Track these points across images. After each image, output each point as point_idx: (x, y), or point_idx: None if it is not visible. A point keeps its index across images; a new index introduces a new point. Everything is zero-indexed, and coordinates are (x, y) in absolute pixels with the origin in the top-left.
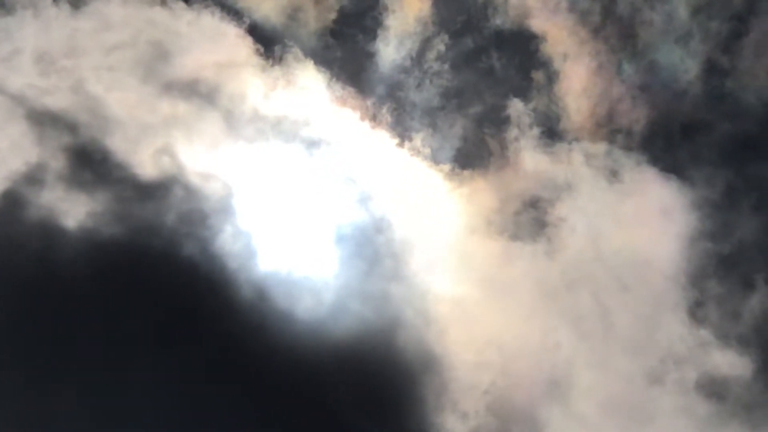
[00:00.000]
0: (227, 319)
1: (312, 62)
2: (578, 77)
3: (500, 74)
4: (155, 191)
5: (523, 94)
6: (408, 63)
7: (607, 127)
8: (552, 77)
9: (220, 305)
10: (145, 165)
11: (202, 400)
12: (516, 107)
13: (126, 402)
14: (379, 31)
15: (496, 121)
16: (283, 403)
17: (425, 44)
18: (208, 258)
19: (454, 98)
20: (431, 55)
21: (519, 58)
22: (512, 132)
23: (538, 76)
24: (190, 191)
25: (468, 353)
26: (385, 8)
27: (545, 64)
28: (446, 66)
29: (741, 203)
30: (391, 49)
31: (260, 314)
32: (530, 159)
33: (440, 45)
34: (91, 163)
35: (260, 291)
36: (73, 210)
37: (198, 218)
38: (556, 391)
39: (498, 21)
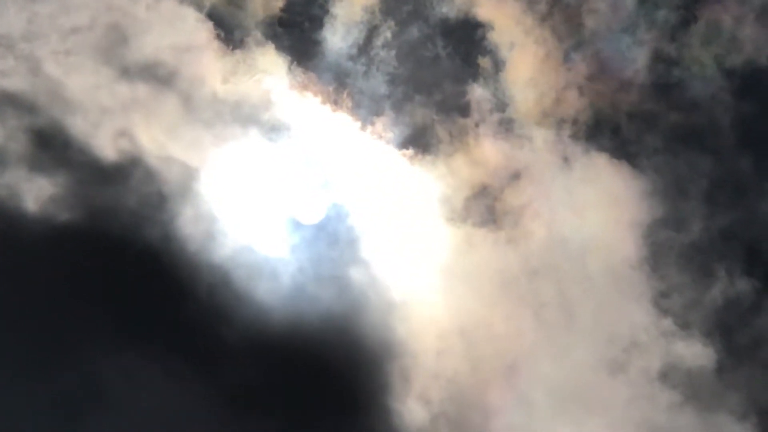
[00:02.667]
0: (187, 303)
1: (273, 47)
2: (525, 66)
3: (454, 62)
4: (115, 174)
5: (472, 82)
6: (356, 50)
7: (555, 116)
8: (499, 65)
9: (180, 288)
10: (105, 148)
11: (162, 384)
12: (476, 93)
13: (84, 387)
14: (326, 20)
15: (455, 107)
16: (243, 388)
17: (373, 32)
18: (168, 241)
19: (413, 83)
20: (379, 41)
21: (466, 46)
22: (473, 118)
23: (485, 63)
24: (150, 174)
25: (430, 340)
26: None
27: (492, 53)
28: (393, 53)
29: (692, 192)
30: (339, 37)
31: (220, 298)
32: (491, 145)
33: (387, 33)
34: (50, 146)
35: (220, 275)
36: (33, 192)
37: (158, 201)
38: (518, 379)
39: (444, 9)
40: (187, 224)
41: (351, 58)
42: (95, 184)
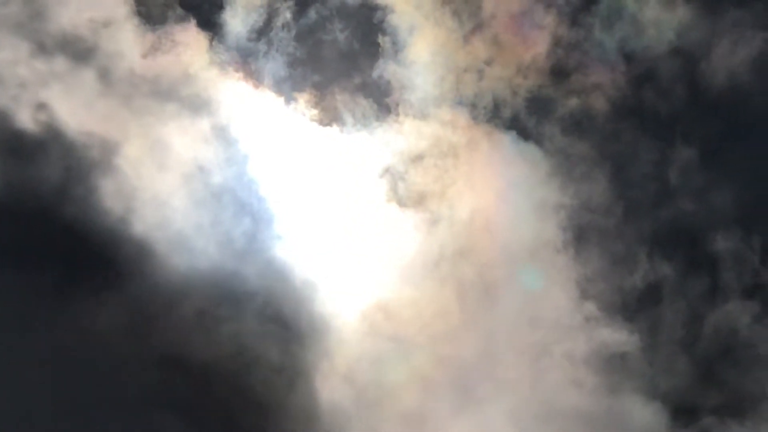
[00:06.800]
0: (106, 277)
1: (194, 23)
2: (425, 48)
3: (356, 44)
4: (34, 148)
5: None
6: (255, 33)
7: (455, 99)
8: (399, 48)
9: (99, 263)
10: (23, 122)
11: (82, 363)
12: (391, 74)
13: None
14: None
15: (375, 87)
16: (164, 365)
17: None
18: (87, 215)
19: (329, 64)
20: (278, 22)
21: (363, 28)
22: (394, 97)
23: (385, 44)
24: (69, 148)
25: (354, 320)
26: None
27: (392, 35)
28: (296, 32)
29: (597, 175)
30: (245, 12)
31: (139, 274)
32: (411, 126)
33: (287, 13)
34: None
35: (139, 248)
36: None
37: (76, 175)
38: (441, 361)
39: None
40: (106, 198)
41: (251, 39)
42: (14, 157)
